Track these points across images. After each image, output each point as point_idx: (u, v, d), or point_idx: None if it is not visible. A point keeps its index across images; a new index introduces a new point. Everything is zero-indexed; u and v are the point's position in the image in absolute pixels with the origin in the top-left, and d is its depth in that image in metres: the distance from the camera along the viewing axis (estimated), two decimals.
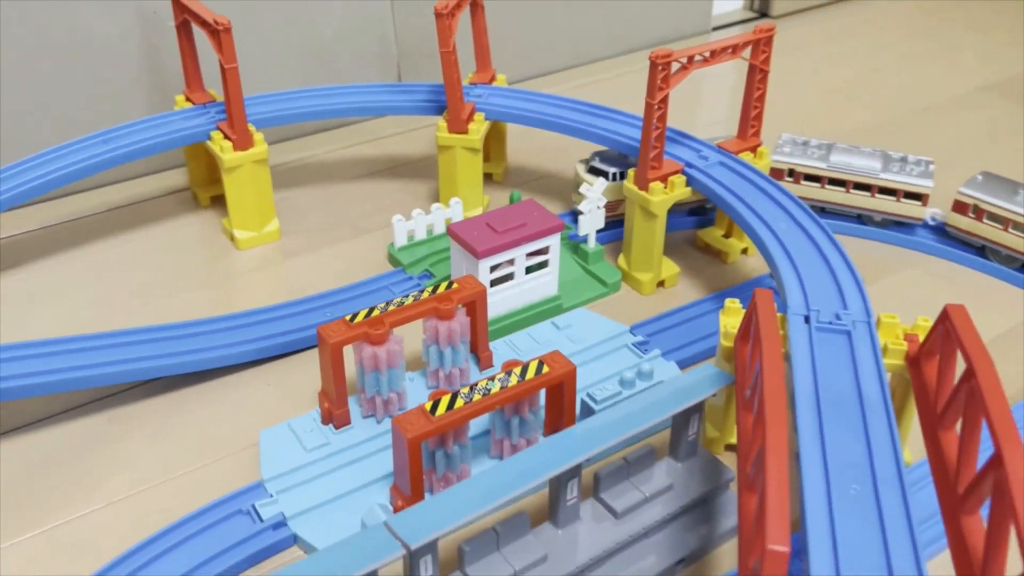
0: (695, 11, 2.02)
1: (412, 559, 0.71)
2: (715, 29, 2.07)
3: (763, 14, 2.15)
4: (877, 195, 1.31)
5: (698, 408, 0.87)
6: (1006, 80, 1.84)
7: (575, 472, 0.80)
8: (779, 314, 0.93)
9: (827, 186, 1.33)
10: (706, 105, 1.76)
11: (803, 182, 1.33)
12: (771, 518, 0.59)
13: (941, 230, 1.33)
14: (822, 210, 1.35)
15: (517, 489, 0.74)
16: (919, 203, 1.29)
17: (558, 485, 0.81)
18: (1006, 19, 2.13)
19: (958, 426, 0.76)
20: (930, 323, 0.89)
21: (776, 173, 1.33)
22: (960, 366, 0.76)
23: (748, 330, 0.85)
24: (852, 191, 1.32)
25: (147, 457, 0.98)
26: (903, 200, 1.30)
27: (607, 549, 0.82)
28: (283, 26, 1.52)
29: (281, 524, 0.88)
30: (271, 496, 0.90)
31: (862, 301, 0.94)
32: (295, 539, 0.88)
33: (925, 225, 1.35)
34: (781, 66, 1.83)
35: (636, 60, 1.88)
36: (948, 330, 0.79)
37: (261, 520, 0.88)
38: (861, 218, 1.35)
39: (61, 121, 1.39)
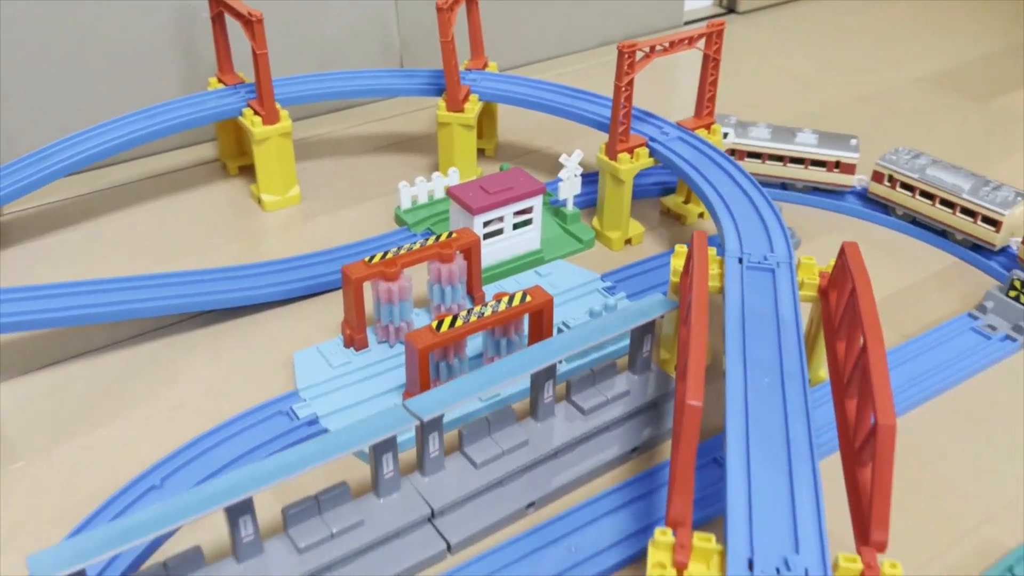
0: (668, 7, 2.23)
1: (424, 431, 0.92)
2: (687, 24, 2.28)
3: (731, 10, 2.36)
4: (958, 214, 1.40)
5: (650, 327, 1.08)
6: (944, 72, 2.06)
7: (551, 372, 1.01)
8: (718, 257, 1.14)
9: (917, 196, 1.44)
10: (681, 91, 1.97)
11: (898, 188, 1.46)
12: (689, 384, 0.80)
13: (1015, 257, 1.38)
14: (913, 220, 1.47)
15: (505, 379, 0.95)
16: (994, 229, 1.36)
17: (537, 384, 1.02)
18: (956, 17, 2.35)
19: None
20: None
21: (877, 176, 1.48)
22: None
23: (689, 265, 1.06)
24: (937, 205, 1.42)
25: (198, 374, 1.18)
26: (980, 223, 1.38)
27: (576, 438, 1.04)
28: (290, 17, 1.71)
29: (314, 422, 1.09)
30: (305, 400, 1.11)
31: (786, 247, 1.15)
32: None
33: (1004, 252, 1.40)
34: (743, 57, 2.05)
35: (613, 51, 2.09)
36: (844, 263, 1.01)
37: (297, 418, 1.09)
38: (945, 234, 1.44)
39: (108, 101, 1.59)
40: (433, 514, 0.94)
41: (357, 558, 0.90)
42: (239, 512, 0.84)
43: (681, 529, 0.78)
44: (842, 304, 1.00)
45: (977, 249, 1.41)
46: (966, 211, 1.40)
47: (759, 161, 1.53)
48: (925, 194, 1.44)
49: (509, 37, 1.99)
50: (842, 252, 1.02)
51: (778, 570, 0.75)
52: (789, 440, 0.88)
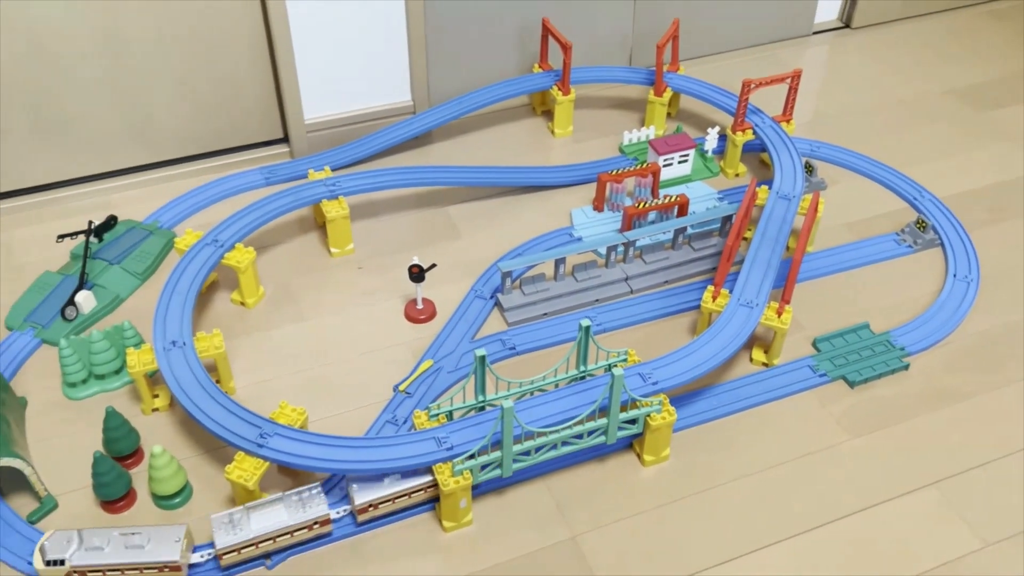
0: (800, 18, 3.45)
1: (628, 245, 2.38)
2: (815, 33, 3.51)
3: (847, 24, 3.56)
4: None
5: (731, 217, 2.47)
6: (971, 87, 3.24)
7: (683, 230, 2.44)
8: (768, 189, 2.50)
9: None
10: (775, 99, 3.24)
11: None
12: (730, 236, 2.21)
13: None
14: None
15: (664, 229, 2.39)
16: None
17: (676, 235, 2.45)
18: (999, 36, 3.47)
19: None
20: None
21: None
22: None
23: (748, 191, 2.44)
24: None
25: (523, 216, 2.67)
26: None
27: (690, 259, 2.45)
28: (566, 22, 3.10)
29: (579, 239, 2.56)
30: (576, 230, 2.58)
31: (800, 189, 2.49)
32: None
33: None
34: (842, 69, 3.28)
35: (751, 53, 3.38)
36: (812, 201, 2.36)
37: (572, 237, 2.57)
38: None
39: (483, 74, 3.05)
40: (627, 277, 2.41)
41: (597, 288, 2.38)
42: (559, 261, 2.33)
43: (718, 286, 2.21)
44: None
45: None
46: None
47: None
48: None
49: (682, 38, 3.32)
50: (813, 197, 2.38)
51: (748, 302, 2.17)
52: (769, 261, 2.28)
